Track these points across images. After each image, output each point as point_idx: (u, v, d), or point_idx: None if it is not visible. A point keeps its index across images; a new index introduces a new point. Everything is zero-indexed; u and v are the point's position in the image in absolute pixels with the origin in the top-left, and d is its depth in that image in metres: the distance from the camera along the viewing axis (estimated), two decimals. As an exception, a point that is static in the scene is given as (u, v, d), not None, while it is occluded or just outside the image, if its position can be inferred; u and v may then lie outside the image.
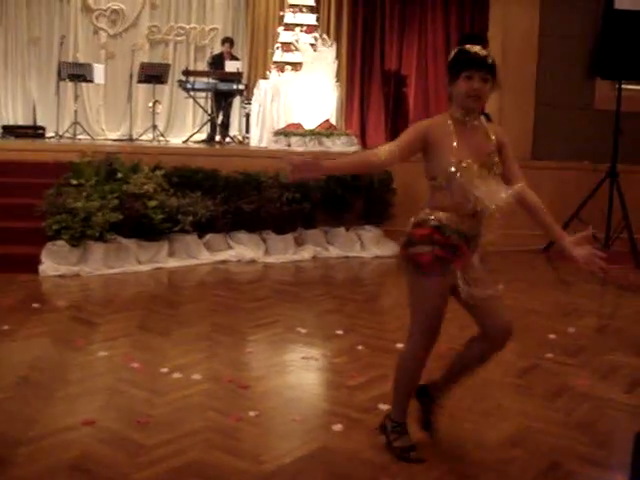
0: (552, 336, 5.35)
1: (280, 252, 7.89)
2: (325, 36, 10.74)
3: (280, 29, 10.85)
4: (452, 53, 3.17)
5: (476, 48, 3.09)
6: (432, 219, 3.12)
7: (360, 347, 4.88)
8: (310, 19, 10.71)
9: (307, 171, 3.00)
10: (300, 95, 10.16)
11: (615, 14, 9.54)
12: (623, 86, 9.34)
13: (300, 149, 9.36)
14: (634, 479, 0.52)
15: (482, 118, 3.20)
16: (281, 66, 10.48)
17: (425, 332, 3.21)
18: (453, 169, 3.04)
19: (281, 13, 11.05)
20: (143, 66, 11.30)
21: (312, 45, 10.45)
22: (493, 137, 3.15)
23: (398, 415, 3.36)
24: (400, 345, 4.89)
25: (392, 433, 3.36)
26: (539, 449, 3.44)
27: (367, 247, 8.30)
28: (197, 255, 7.57)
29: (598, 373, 4.60)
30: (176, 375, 4.22)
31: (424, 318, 3.20)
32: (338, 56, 11.06)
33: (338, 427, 3.56)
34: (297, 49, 10.43)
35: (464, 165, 3.04)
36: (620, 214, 8.69)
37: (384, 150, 3.11)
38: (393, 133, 11.55)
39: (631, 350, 5.13)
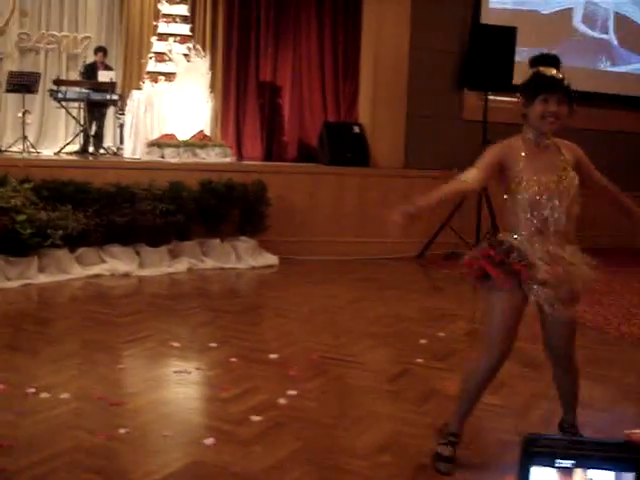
0: (423, 341, 5.49)
1: (154, 265, 7.78)
2: (198, 47, 10.69)
3: (154, 39, 10.74)
4: (528, 76, 3.28)
5: (552, 71, 3.21)
6: (502, 242, 3.25)
7: (234, 359, 4.88)
8: (184, 29, 10.64)
9: (410, 220, 3.07)
10: (174, 106, 10.07)
11: (481, 29, 9.91)
12: (489, 97, 9.72)
13: (174, 161, 9.27)
14: None
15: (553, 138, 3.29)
16: (154, 76, 10.36)
17: (489, 347, 3.28)
18: (524, 191, 3.16)
19: (154, 23, 10.94)
20: (12, 75, 10.94)
21: (185, 55, 10.38)
22: (567, 155, 3.26)
23: (454, 425, 3.41)
24: (274, 356, 4.95)
25: (442, 437, 3.42)
26: (407, 453, 3.53)
27: (243, 258, 8.29)
28: (69, 270, 7.38)
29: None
30: (43, 395, 4.09)
31: (489, 332, 3.30)
32: (213, 67, 11.03)
33: (210, 441, 3.55)
34: (170, 59, 10.34)
35: (533, 185, 3.16)
36: (488, 219, 9.01)
37: (472, 177, 3.21)
38: (268, 144, 11.62)
39: (497, 353, 5.32)
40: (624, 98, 11.04)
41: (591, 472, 0.58)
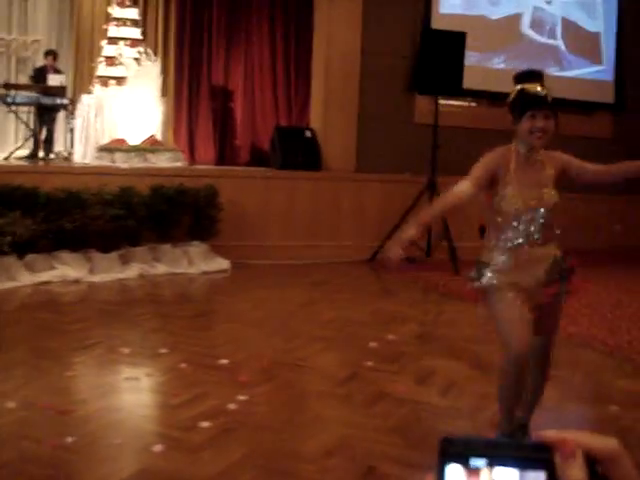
0: (373, 344, 5.53)
1: (105, 271, 7.72)
2: (149, 50, 10.64)
3: (104, 43, 10.66)
4: (513, 93, 3.36)
5: (537, 88, 3.29)
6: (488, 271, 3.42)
7: (184, 365, 4.87)
8: (134, 33, 10.59)
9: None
10: (124, 110, 10.01)
11: (431, 34, 10.00)
12: (440, 101, 9.82)
13: (125, 166, 9.21)
14: None
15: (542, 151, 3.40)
16: (105, 80, 10.29)
17: (505, 345, 3.37)
18: (507, 205, 3.32)
19: (105, 27, 10.85)
20: (-42, 79, 10.80)
21: (136, 59, 10.33)
22: (550, 171, 3.37)
23: (503, 426, 3.54)
24: (225, 361, 4.95)
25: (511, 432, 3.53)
26: (356, 456, 3.56)
27: (195, 263, 8.26)
28: (17, 277, 7.28)
29: (415, 378, 4.80)
30: (-11, 404, 4.06)
31: (500, 332, 3.41)
32: (165, 71, 10.99)
33: (159, 447, 3.54)
34: (121, 63, 10.28)
35: (517, 201, 3.31)
36: (440, 224, 9.10)
37: (465, 191, 3.33)
38: (221, 148, 11.61)
39: (448, 354, 5.39)
40: (573, 102, 11.23)
41: (497, 470, 0.59)
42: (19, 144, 11.23)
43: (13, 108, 10.91)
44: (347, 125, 10.09)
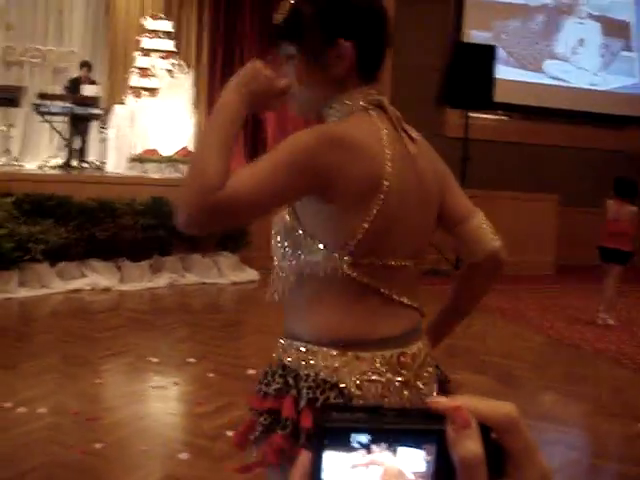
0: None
1: (135, 280, 7.81)
2: (182, 62, 10.76)
3: (137, 54, 10.80)
4: None
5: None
6: None
7: (211, 374, 4.91)
8: (167, 45, 10.72)
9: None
10: (157, 121, 10.13)
11: (462, 47, 10.02)
12: (470, 114, 9.83)
13: (156, 176, 9.31)
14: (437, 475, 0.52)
15: None
16: (137, 91, 10.42)
17: None
18: None
19: (138, 38, 10.99)
20: (-5, 88, 10.99)
21: (169, 71, 10.45)
22: None
23: None
24: (252, 371, 4.98)
25: None
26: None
27: (224, 273, 8.33)
28: (49, 284, 7.39)
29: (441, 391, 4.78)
30: (20, 409, 4.11)
31: None
32: (197, 82, 11.10)
33: (184, 455, 3.59)
34: (154, 75, 10.40)
35: None
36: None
37: None
38: (251, 159, 11.61)
39: (475, 368, 5.38)
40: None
41: (401, 451, 0.50)
42: (53, 153, 11.40)
43: (48, 118, 11.07)
44: (377, 138, 10.10)
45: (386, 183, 1.52)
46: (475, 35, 10.59)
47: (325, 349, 1.56)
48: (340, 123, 1.59)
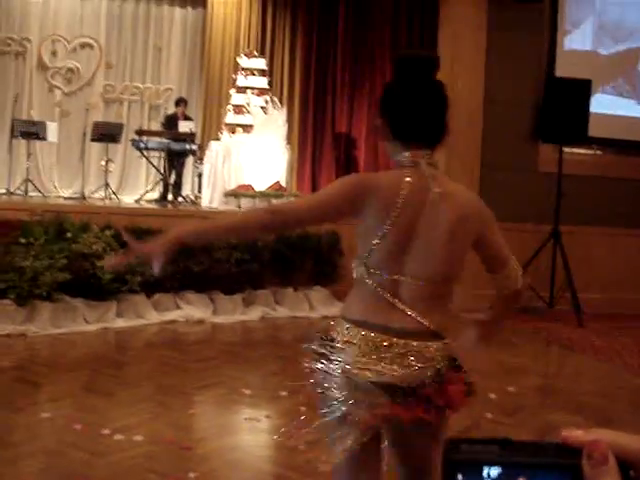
0: (492, 395, 5.44)
1: (228, 312, 7.92)
2: (276, 99, 10.95)
3: (232, 91, 11.04)
4: None
5: None
6: None
7: (304, 408, 4.92)
8: (261, 82, 10.92)
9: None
10: (251, 157, 10.30)
11: (555, 82, 9.91)
12: (564, 149, 9.68)
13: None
14: None
15: None
16: (232, 128, 10.64)
17: None
18: None
19: (233, 76, 11.25)
20: (97, 125, 11.38)
21: (263, 108, 10.64)
22: None
23: None
24: (343, 405, 4.98)
25: None
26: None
27: (315, 307, 8.37)
28: (145, 315, 7.57)
29: (535, 432, 4.69)
30: (117, 437, 4.21)
31: None
32: (290, 118, 11.26)
33: (277, 488, 3.61)
34: (248, 111, 10.61)
35: None
36: (563, 273, 8.92)
37: None
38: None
39: (570, 409, 5.25)
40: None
41: None
42: (149, 187, 11.72)
43: (145, 153, 11.41)
44: (469, 173, 10.04)
45: (394, 214, 2.12)
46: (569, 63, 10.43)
47: (343, 321, 2.26)
48: (375, 173, 2.37)
